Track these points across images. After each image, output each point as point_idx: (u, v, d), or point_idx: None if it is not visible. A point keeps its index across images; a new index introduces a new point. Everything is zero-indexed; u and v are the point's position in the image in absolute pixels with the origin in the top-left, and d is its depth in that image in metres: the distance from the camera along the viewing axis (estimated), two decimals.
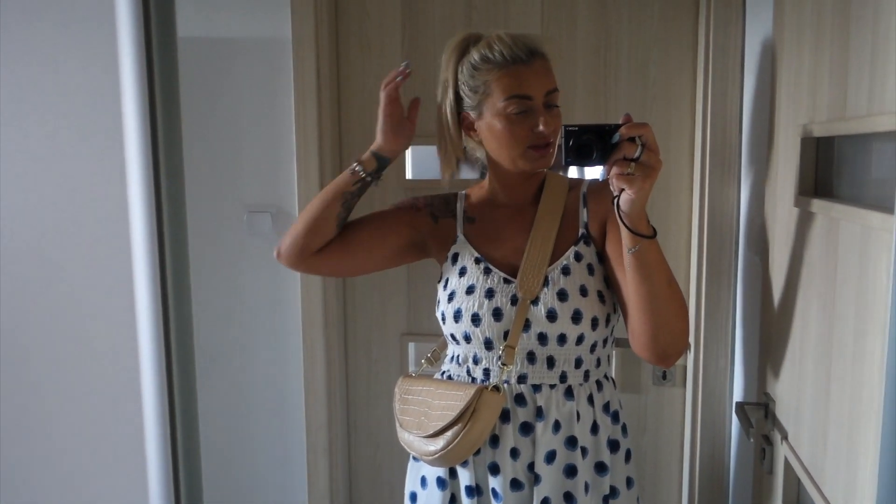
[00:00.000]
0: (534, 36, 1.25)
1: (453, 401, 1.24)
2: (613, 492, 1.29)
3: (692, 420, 1.71)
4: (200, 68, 1.79)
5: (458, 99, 1.28)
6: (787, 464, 1.18)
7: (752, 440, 1.27)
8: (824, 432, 1.01)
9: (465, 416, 1.21)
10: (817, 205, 1.02)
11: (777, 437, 1.23)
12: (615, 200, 1.05)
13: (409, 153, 1.82)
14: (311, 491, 1.86)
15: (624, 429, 1.33)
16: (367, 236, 1.37)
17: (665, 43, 1.69)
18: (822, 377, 1.01)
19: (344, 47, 1.80)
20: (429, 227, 1.39)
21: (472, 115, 1.27)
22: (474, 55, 1.24)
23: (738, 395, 1.61)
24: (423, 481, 1.36)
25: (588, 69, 1.72)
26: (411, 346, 1.89)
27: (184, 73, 1.80)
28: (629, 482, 1.32)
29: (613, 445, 1.30)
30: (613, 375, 1.38)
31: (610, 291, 1.27)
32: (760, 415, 1.29)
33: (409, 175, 1.83)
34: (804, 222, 1.10)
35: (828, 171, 1.10)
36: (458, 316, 1.28)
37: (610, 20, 1.70)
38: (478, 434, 1.21)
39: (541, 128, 1.20)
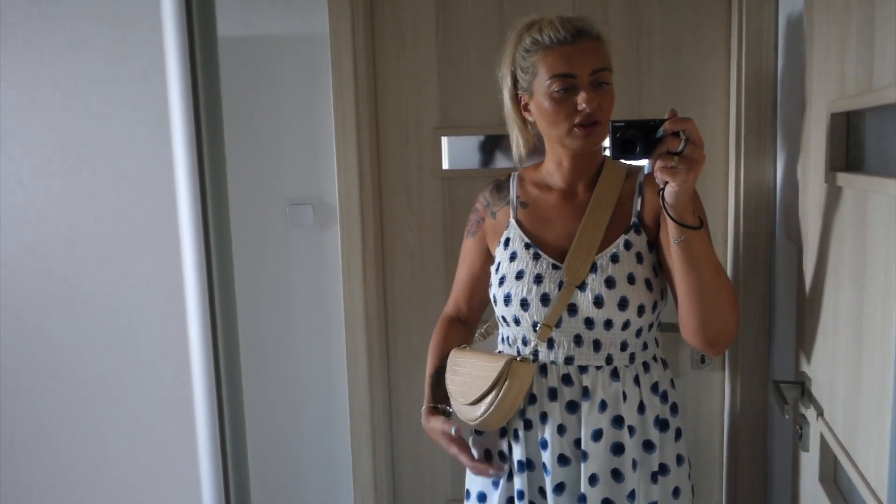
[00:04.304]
0: (585, 17, 1.29)
1: (490, 371, 1.31)
2: (663, 469, 1.32)
3: (731, 403, 1.71)
4: (243, 66, 1.85)
5: (514, 82, 1.34)
6: (822, 440, 1.19)
7: (786, 416, 1.27)
8: (856, 406, 1.01)
9: (499, 385, 1.28)
10: (845, 178, 1.03)
11: (813, 414, 1.23)
12: (661, 193, 1.09)
13: (444, 144, 1.85)
14: (355, 475, 1.91)
15: (674, 408, 1.36)
16: (482, 286, 1.47)
17: (697, 26, 1.69)
18: (854, 351, 1.02)
19: (379, 41, 1.85)
20: (490, 224, 1.45)
21: (526, 96, 1.32)
22: (526, 39, 1.29)
23: (776, 376, 1.61)
24: (486, 455, 1.42)
25: (621, 54, 1.73)
26: None
27: (227, 71, 1.86)
28: (679, 459, 1.35)
29: (663, 424, 1.33)
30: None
31: (658, 279, 1.30)
32: (797, 393, 1.29)
33: (445, 165, 1.87)
34: (835, 198, 1.10)
35: (859, 146, 1.10)
36: (507, 300, 1.33)
37: (641, 4, 1.71)
38: (511, 401, 1.28)
39: (581, 105, 1.22)
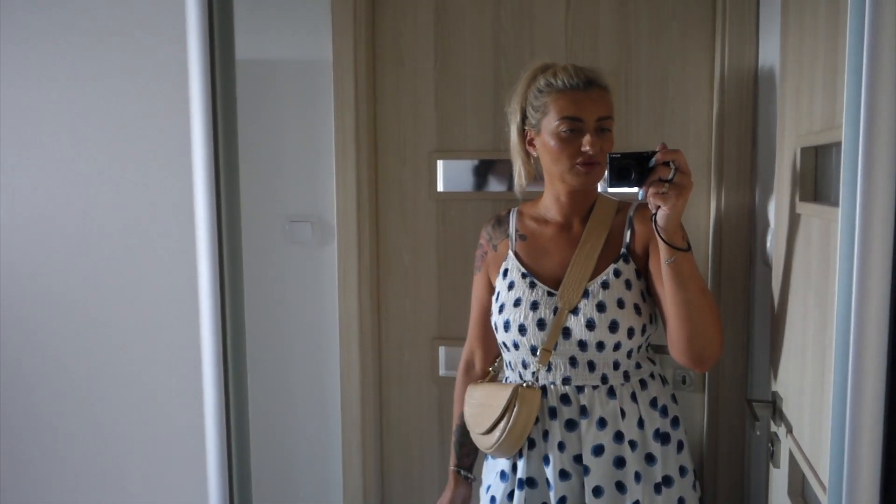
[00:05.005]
0: (596, 69, 1.42)
1: (499, 400, 1.40)
2: (667, 480, 1.40)
3: (710, 421, 1.77)
4: (249, 88, 1.93)
5: (523, 118, 1.44)
6: (791, 456, 1.25)
7: (758, 433, 1.34)
8: (821, 424, 1.08)
9: (509, 411, 1.37)
10: (812, 208, 1.10)
11: (783, 431, 1.29)
12: (653, 217, 1.19)
13: (440, 167, 1.93)
14: (345, 485, 1.96)
15: (675, 421, 1.44)
16: (488, 322, 1.53)
17: (683, 61, 1.77)
18: (819, 369, 1.08)
19: (380, 67, 1.93)
20: (492, 256, 1.54)
21: (533, 132, 1.42)
22: (541, 80, 1.40)
23: (753, 395, 1.67)
24: (494, 473, 1.50)
25: (611, 85, 1.81)
26: (442, 350, 1.98)
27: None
28: (682, 471, 1.43)
29: (664, 438, 1.41)
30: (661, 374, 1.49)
31: (647, 304, 1.39)
32: (769, 411, 1.36)
33: (440, 188, 1.94)
34: (803, 226, 1.18)
35: (826, 179, 1.17)
36: (507, 326, 1.42)
37: (630, 41, 1.80)
38: (522, 425, 1.37)
39: (586, 147, 1.33)
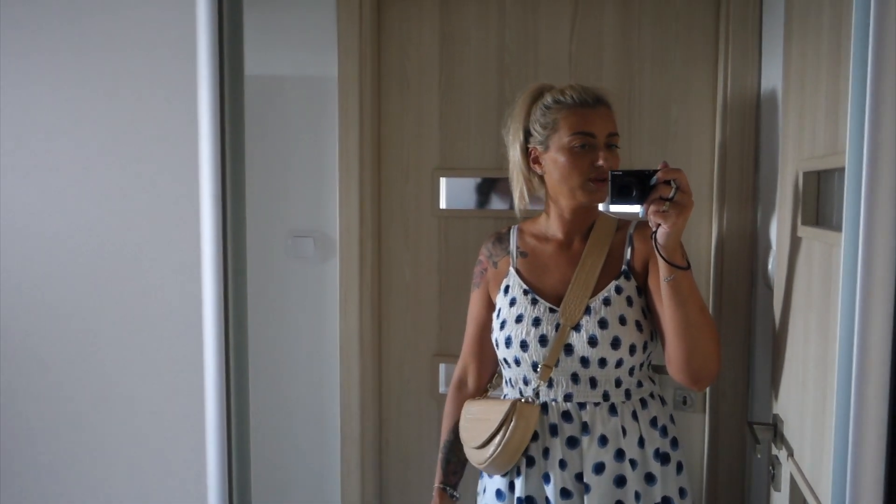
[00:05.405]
0: (601, 87, 1.43)
1: (497, 415, 1.39)
2: (667, 502, 1.39)
3: (710, 443, 1.76)
4: (255, 103, 1.94)
5: (527, 136, 1.45)
6: (792, 480, 1.25)
7: (759, 456, 1.33)
8: (822, 447, 1.08)
9: (505, 425, 1.37)
10: (813, 232, 1.11)
11: (784, 455, 1.29)
12: (653, 235, 1.20)
13: (442, 185, 1.94)
14: (343, 501, 1.95)
15: (674, 442, 1.43)
16: (489, 336, 1.53)
17: (686, 84, 1.79)
18: (820, 393, 1.09)
19: (385, 85, 1.94)
20: (492, 273, 1.55)
21: (539, 149, 1.43)
22: (548, 98, 1.41)
23: (755, 418, 1.67)
24: (489, 492, 1.49)
25: (614, 108, 1.83)
26: (442, 367, 1.98)
27: None
28: (682, 492, 1.42)
29: (664, 458, 1.40)
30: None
31: (647, 321, 1.39)
32: (770, 434, 1.36)
33: (442, 205, 1.94)
34: (805, 250, 1.19)
35: (828, 203, 1.18)
36: (508, 342, 1.42)
37: (633, 63, 1.81)
38: (518, 440, 1.36)
39: (600, 162, 1.35)
